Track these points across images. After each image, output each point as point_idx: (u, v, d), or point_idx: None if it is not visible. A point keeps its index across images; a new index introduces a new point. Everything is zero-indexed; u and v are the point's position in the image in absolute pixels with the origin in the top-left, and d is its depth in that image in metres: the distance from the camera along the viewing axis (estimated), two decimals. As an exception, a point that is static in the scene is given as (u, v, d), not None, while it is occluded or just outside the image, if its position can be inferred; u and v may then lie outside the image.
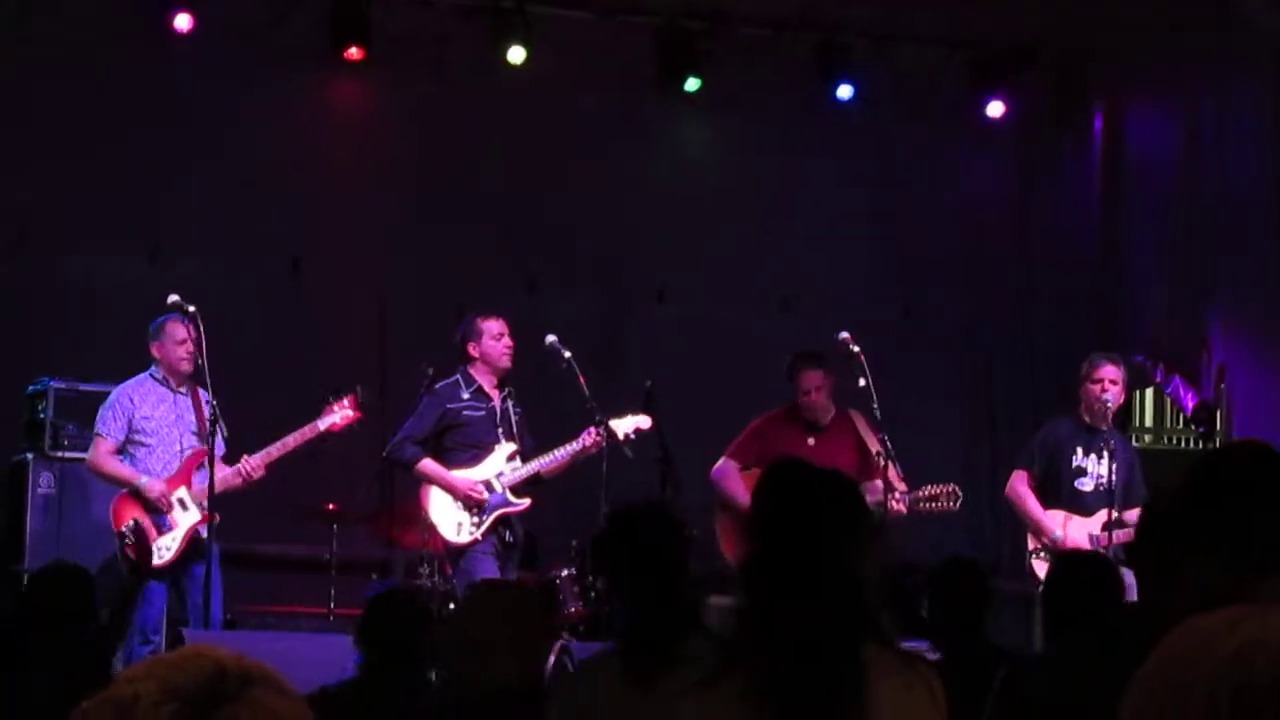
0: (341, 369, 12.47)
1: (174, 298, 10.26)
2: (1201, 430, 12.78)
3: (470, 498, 10.43)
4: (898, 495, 10.34)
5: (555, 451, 10.56)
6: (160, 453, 10.30)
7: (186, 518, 10.19)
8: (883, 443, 10.30)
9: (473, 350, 10.65)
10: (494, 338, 10.62)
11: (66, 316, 12.52)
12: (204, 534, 10.15)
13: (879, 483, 10.38)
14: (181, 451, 10.28)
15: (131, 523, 10.14)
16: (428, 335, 12.31)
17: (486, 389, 10.63)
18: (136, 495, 10.20)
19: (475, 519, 10.45)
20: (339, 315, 13.30)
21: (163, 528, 10.17)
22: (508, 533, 10.54)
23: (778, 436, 10.73)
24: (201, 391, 10.29)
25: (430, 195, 13.53)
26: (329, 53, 13.33)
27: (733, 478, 10.76)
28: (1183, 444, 13.57)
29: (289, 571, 12.37)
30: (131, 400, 10.34)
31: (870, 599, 3.80)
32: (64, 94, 12.81)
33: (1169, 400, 13.67)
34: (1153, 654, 1.77)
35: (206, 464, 10.15)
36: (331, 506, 11.26)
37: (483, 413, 10.60)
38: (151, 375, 10.42)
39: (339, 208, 13.47)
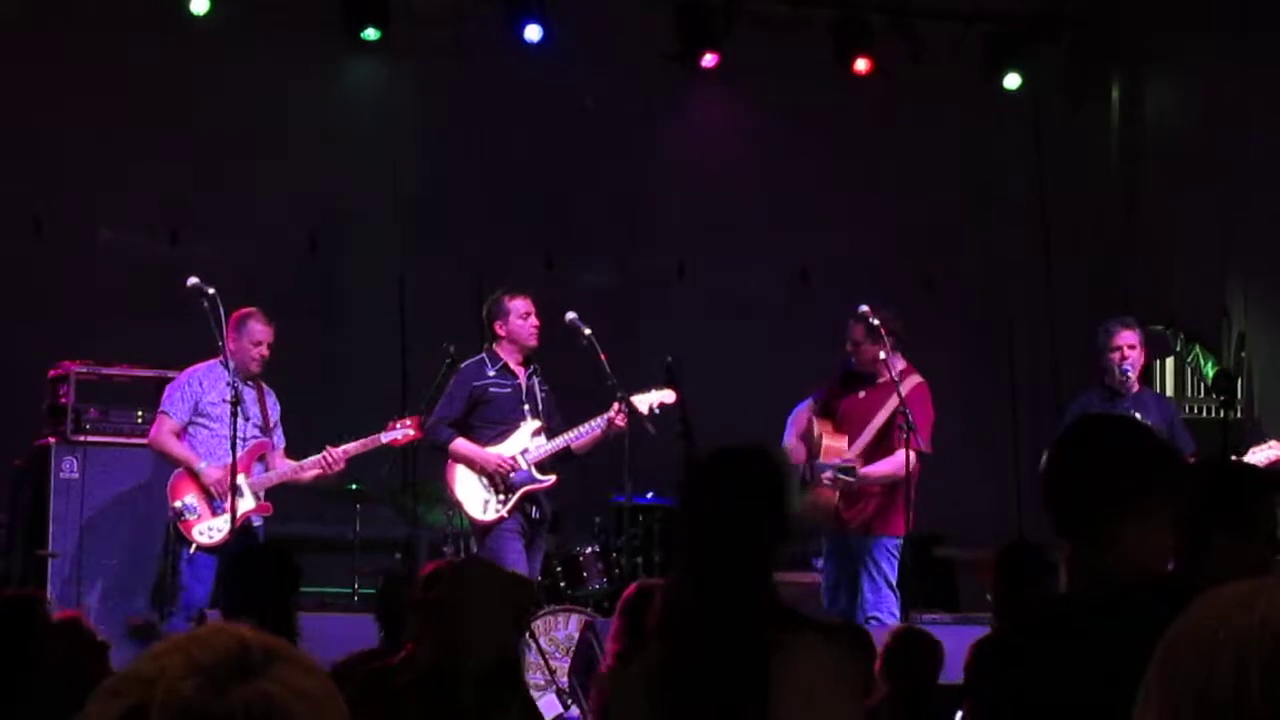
0: (361, 347, 12.52)
1: (194, 280, 10.30)
2: (1222, 399, 12.74)
3: (501, 470, 10.42)
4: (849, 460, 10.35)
5: (580, 427, 10.55)
6: (222, 437, 10.37)
7: (241, 504, 10.29)
8: (904, 416, 10.27)
9: (499, 329, 10.65)
10: (521, 317, 10.61)
11: (86, 300, 12.54)
12: (256, 522, 10.41)
13: (898, 454, 10.37)
14: (244, 441, 10.34)
15: (186, 499, 10.27)
16: (447, 313, 12.32)
17: (512, 366, 10.62)
18: (195, 475, 10.31)
19: (501, 496, 10.44)
20: (358, 294, 13.31)
21: (217, 510, 10.27)
22: (534, 509, 10.52)
23: (839, 383, 10.73)
24: (267, 390, 10.51)
25: (448, 173, 13.54)
26: (347, 32, 13.34)
27: (801, 417, 10.66)
28: (1203, 413, 13.54)
29: (314, 552, 12.39)
30: (201, 384, 10.47)
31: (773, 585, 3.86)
32: (81, 75, 12.83)
33: (1189, 369, 13.65)
34: (1179, 620, 1.78)
35: (268, 457, 10.51)
36: (355, 486, 11.35)
37: (509, 390, 10.60)
38: (222, 363, 10.48)
39: (357, 187, 13.50)
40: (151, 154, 12.93)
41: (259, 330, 10.45)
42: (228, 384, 10.38)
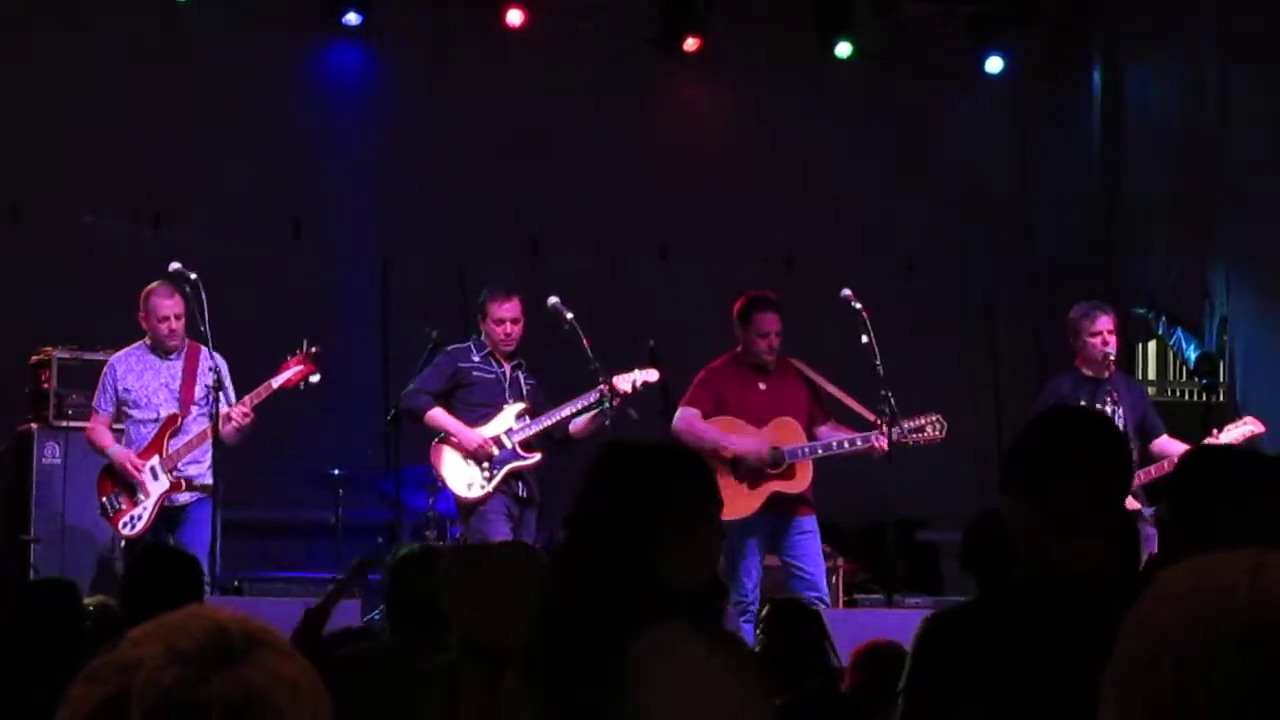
0: (344, 332, 12.49)
1: (175, 265, 10.25)
2: (1204, 382, 12.77)
3: (481, 449, 10.38)
4: (881, 430, 10.21)
5: (563, 407, 10.50)
6: (144, 423, 10.31)
7: (156, 487, 10.17)
8: (885, 399, 10.24)
9: (480, 324, 10.63)
10: (495, 322, 10.51)
11: (69, 284, 12.51)
12: (178, 500, 10.21)
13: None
14: (156, 422, 10.28)
15: (110, 496, 10.21)
16: (430, 298, 12.33)
17: (498, 356, 10.60)
18: (113, 468, 10.26)
19: (486, 474, 10.41)
20: (341, 279, 13.29)
21: (136, 499, 10.20)
22: (520, 485, 10.50)
23: (728, 381, 10.53)
24: (205, 355, 10.29)
25: (431, 157, 13.51)
26: (329, 17, 13.32)
27: (699, 422, 10.49)
28: (1186, 396, 13.57)
29: (295, 536, 12.39)
30: (115, 371, 10.35)
31: (672, 577, 3.83)
32: (65, 59, 12.80)
33: (1172, 352, 13.67)
34: (1135, 606, 1.78)
35: (182, 428, 10.23)
36: (337, 471, 11.31)
37: (493, 376, 10.57)
38: (144, 343, 10.41)
39: (341, 171, 13.47)
40: (134, 139, 12.90)
41: (164, 305, 10.23)
42: (153, 364, 10.27)
